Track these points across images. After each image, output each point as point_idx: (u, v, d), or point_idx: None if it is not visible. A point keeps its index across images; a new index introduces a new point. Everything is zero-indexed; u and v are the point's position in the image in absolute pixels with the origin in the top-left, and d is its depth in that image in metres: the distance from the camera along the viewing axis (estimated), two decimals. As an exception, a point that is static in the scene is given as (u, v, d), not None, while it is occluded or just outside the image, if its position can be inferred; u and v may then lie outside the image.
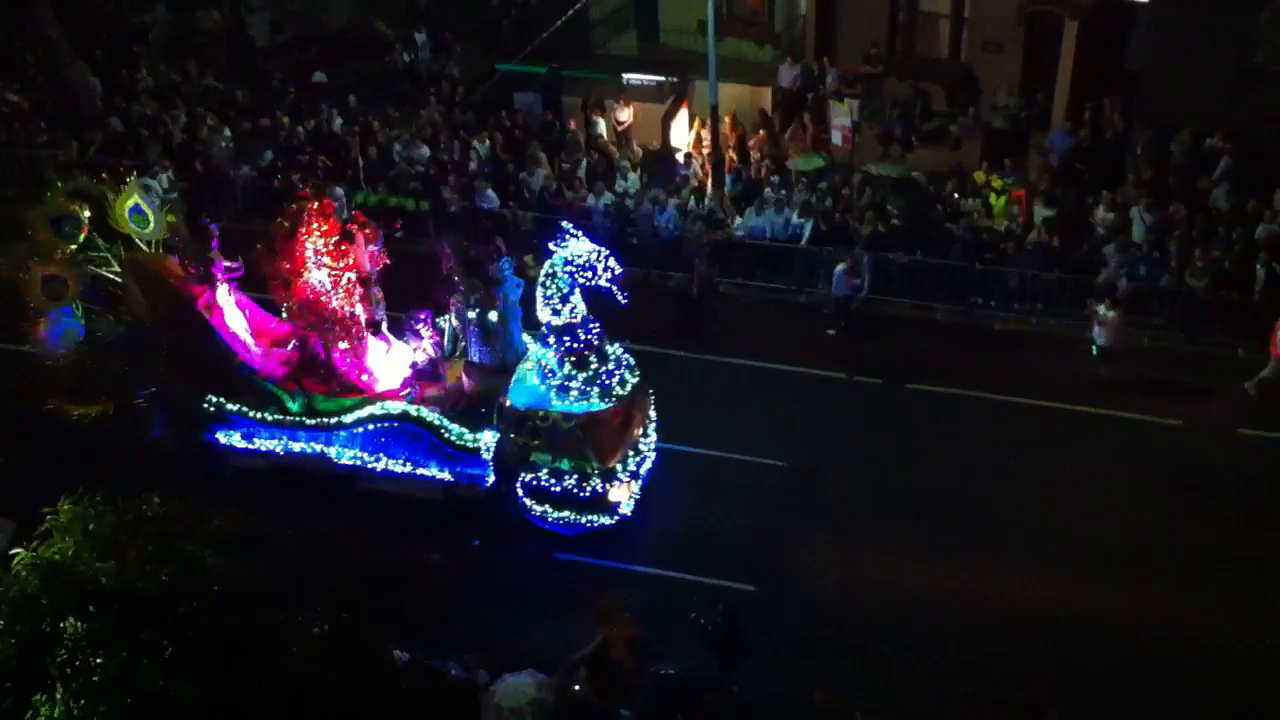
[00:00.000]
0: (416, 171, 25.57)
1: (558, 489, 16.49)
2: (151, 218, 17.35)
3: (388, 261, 17.32)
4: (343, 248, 16.68)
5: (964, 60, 27.65)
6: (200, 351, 17.31)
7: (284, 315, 17.94)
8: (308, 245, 16.52)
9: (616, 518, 16.70)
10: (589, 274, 15.81)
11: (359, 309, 17.07)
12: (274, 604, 10.86)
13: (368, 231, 17.04)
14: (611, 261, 15.87)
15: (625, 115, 27.42)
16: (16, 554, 10.44)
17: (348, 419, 17.06)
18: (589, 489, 16.38)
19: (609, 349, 16.69)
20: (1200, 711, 14.23)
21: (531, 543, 16.90)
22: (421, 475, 17.05)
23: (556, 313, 16.05)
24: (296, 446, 17.46)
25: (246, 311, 17.76)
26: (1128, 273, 21.13)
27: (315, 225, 16.47)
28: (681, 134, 27.14)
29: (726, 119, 26.13)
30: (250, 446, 17.67)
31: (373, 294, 17.37)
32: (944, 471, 18.01)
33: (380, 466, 17.16)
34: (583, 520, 16.64)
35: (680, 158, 26.66)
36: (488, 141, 26.37)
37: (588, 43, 30.18)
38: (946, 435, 18.86)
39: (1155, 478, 17.89)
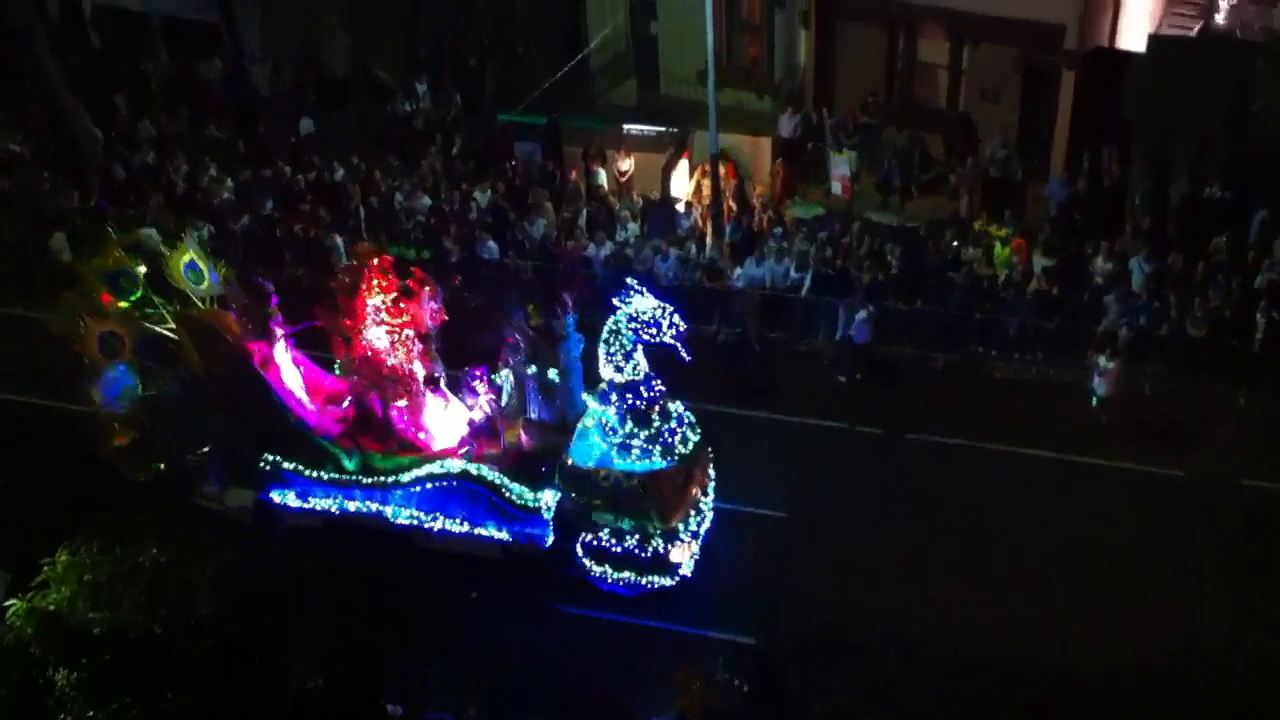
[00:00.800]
0: (417, 221, 25.65)
1: (619, 549, 16.20)
2: (206, 273, 17.39)
3: (446, 318, 17.06)
4: (401, 304, 16.55)
5: (962, 109, 27.82)
6: (256, 409, 17.21)
7: (338, 372, 17.91)
8: (367, 302, 16.44)
9: (677, 578, 16.39)
10: (654, 330, 15.63)
11: (417, 366, 16.92)
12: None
13: (428, 288, 16.79)
14: (676, 318, 15.71)
15: (626, 165, 27.54)
16: (11, 604, 10.39)
17: (405, 478, 16.84)
18: (651, 549, 16.10)
19: (671, 406, 16.46)
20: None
21: (533, 594, 16.73)
22: (479, 535, 16.82)
23: (619, 369, 15.86)
24: (352, 505, 17.22)
25: (302, 368, 17.68)
26: (1127, 322, 21.12)
27: (375, 281, 16.38)
28: (681, 184, 27.25)
29: (725, 168, 26.23)
30: (305, 505, 17.44)
31: (431, 351, 17.17)
32: (945, 521, 17.91)
33: (437, 526, 16.93)
34: (643, 581, 16.31)
35: (680, 207, 26.76)
36: (488, 191, 26.46)
37: (588, 92, 30.40)
38: (946, 484, 18.77)
39: (1155, 529, 17.75)
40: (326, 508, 17.32)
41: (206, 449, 17.73)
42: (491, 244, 24.56)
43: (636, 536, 16.06)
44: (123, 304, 16.84)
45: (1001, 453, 19.61)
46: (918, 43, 28.02)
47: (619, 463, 16.10)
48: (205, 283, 17.33)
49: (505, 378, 17.28)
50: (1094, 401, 20.26)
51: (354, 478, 17.07)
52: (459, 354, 17.44)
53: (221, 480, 17.71)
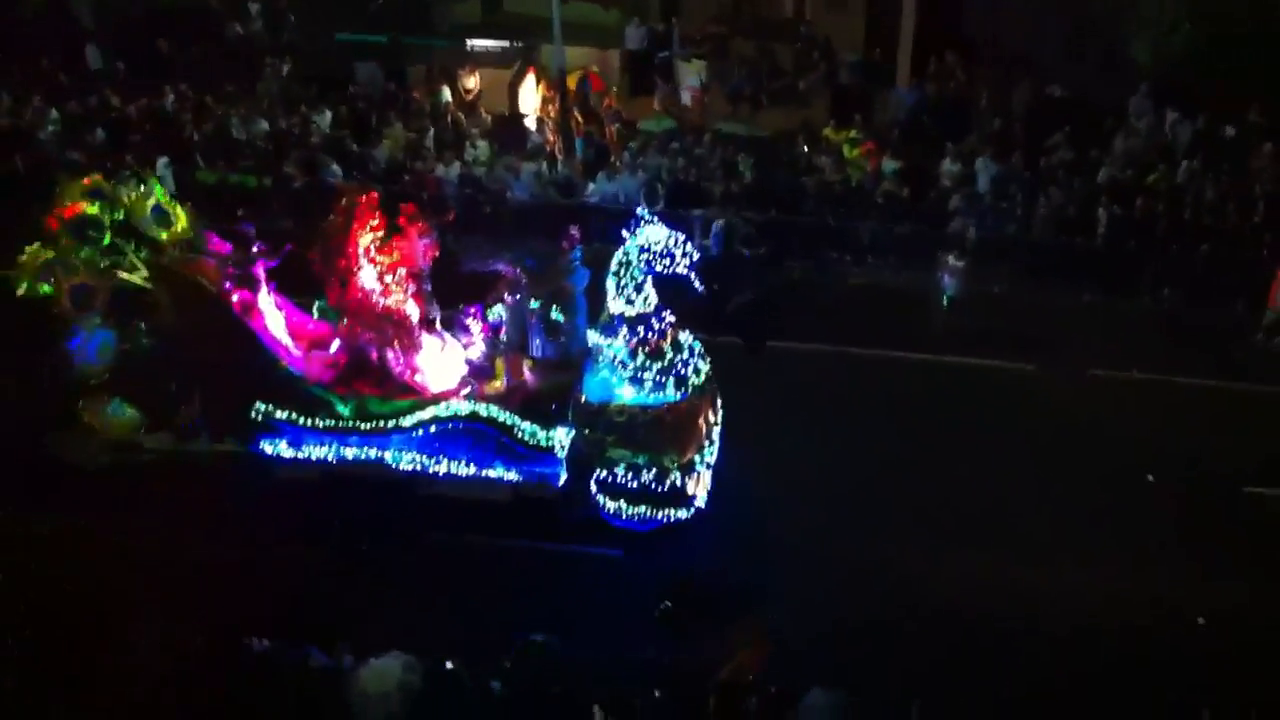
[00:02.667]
0: (256, 147, 24.69)
1: (634, 485, 15.61)
2: (175, 217, 16.21)
3: (438, 254, 16.12)
4: (392, 243, 15.67)
5: (808, 18, 27.77)
6: (240, 358, 16.25)
7: (317, 315, 17.00)
8: (359, 242, 15.53)
9: (692, 510, 15.87)
10: (667, 261, 15.11)
11: (411, 306, 16.05)
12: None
13: (420, 225, 15.84)
14: (689, 247, 15.20)
15: (472, 83, 26.87)
16: None
17: (406, 422, 16.00)
18: (668, 483, 15.59)
19: (681, 337, 15.96)
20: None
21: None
22: (488, 477, 16.20)
23: (630, 302, 15.33)
24: (349, 453, 16.35)
25: (284, 313, 16.62)
26: (975, 223, 21.44)
27: (366, 221, 15.47)
28: (529, 100, 26.70)
29: (571, 82, 25.78)
30: (298, 455, 16.54)
31: (425, 290, 16.19)
32: (808, 429, 18.00)
33: (442, 470, 16.22)
34: (659, 515, 15.77)
35: (530, 123, 26.24)
36: (329, 114, 25.58)
37: (429, 9, 29.55)
38: (804, 389, 18.86)
39: (1010, 421, 18.15)
40: (322, 456, 16.42)
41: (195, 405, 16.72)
42: (335, 168, 23.77)
43: (653, 471, 15.54)
44: (89, 254, 15.65)
45: (859, 356, 19.78)
46: (763, -49, 27.90)
47: (632, 397, 15.66)
48: (175, 226, 16.15)
49: (501, 315, 16.70)
50: (945, 302, 20.56)
51: (351, 424, 16.21)
52: (452, 292, 16.60)
53: (210, 435, 16.77)
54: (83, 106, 26.29)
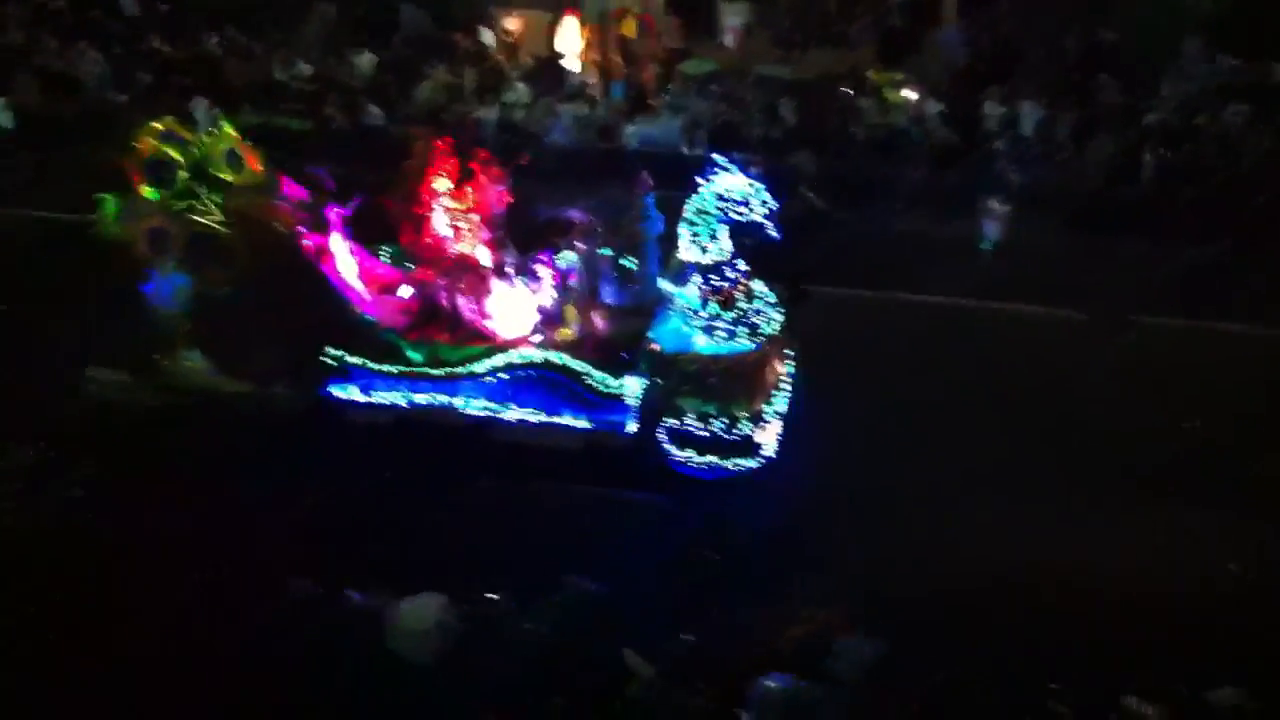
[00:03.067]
0: (297, 90, 24.71)
1: (705, 434, 15.46)
2: (248, 161, 16.27)
3: (511, 200, 16.08)
4: (466, 187, 15.67)
5: (856, -41, 27.37)
6: (316, 302, 16.13)
7: (385, 259, 16.84)
8: (434, 187, 15.53)
9: (761, 459, 15.71)
10: (744, 209, 14.75)
11: (483, 252, 16.00)
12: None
13: (493, 170, 15.77)
14: (766, 194, 14.81)
15: (513, 25, 26.72)
16: None
17: (478, 368, 15.91)
18: (737, 432, 15.44)
19: (754, 286, 15.54)
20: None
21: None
22: (558, 424, 16.12)
23: (705, 250, 14.99)
24: (420, 399, 16.31)
25: (357, 258, 16.46)
26: (1018, 169, 21.16)
27: (440, 166, 15.46)
28: (570, 42, 26.52)
29: (624, 27, 25.61)
30: (370, 400, 16.53)
31: (499, 236, 16.17)
32: (866, 375, 17.90)
33: (513, 417, 16.23)
34: (727, 464, 15.59)
35: (572, 65, 26.08)
36: (370, 56, 25.54)
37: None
38: (850, 335, 18.74)
39: (1058, 370, 17.99)
40: (394, 401, 16.41)
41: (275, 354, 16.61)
42: (375, 109, 23.76)
43: (724, 420, 15.39)
44: (165, 196, 15.75)
45: (902, 301, 19.66)
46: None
47: (704, 346, 15.37)
48: (246, 171, 16.24)
49: (571, 261, 16.39)
50: (985, 246, 20.34)
51: (423, 370, 16.13)
52: (523, 237, 16.33)
53: (289, 380, 16.53)
54: (126, 50, 26.37)
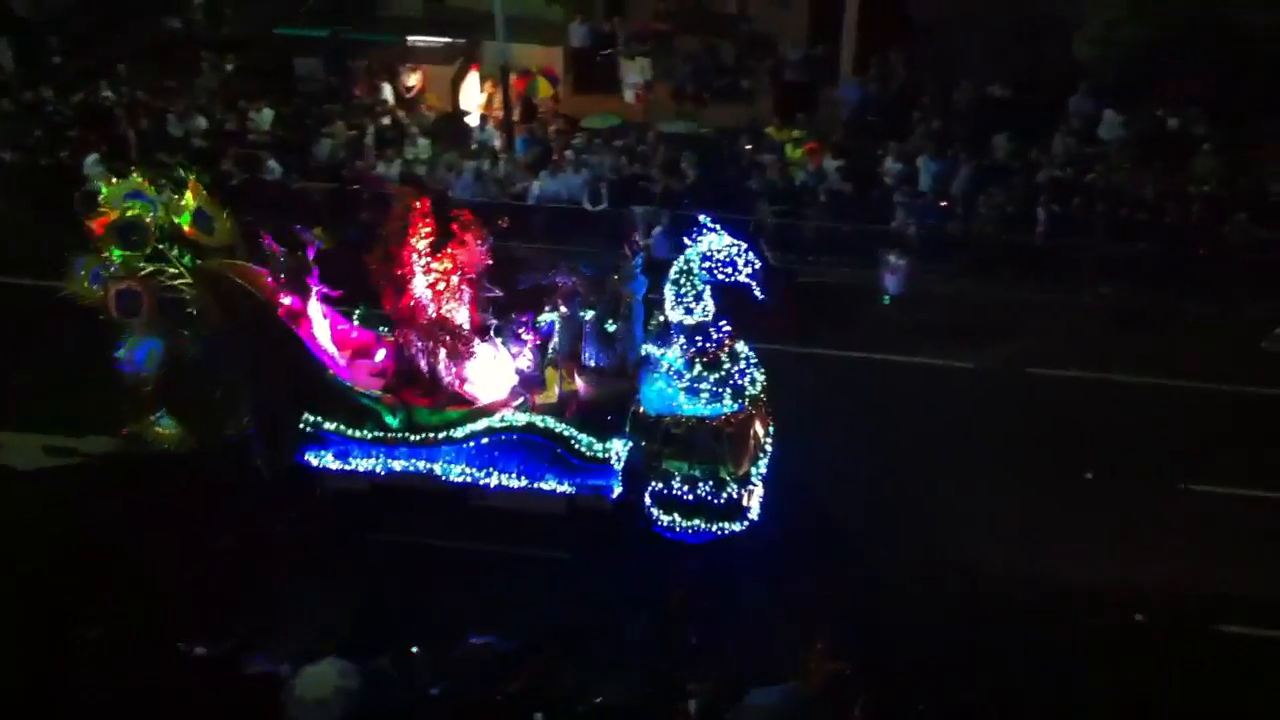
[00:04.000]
0: (193, 144, 24.34)
1: (690, 497, 15.41)
2: (216, 222, 15.82)
3: (490, 262, 15.72)
4: (448, 249, 15.28)
5: (752, 15, 27.78)
6: (290, 367, 15.75)
7: (358, 322, 16.68)
8: (414, 248, 15.19)
9: (746, 523, 15.65)
10: (729, 269, 14.62)
11: (463, 314, 15.68)
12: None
13: (476, 231, 15.38)
14: (751, 255, 14.71)
15: (414, 80, 26.66)
16: None
17: (459, 433, 15.66)
18: (725, 495, 15.38)
19: (738, 347, 15.57)
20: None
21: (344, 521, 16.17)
22: (541, 489, 15.85)
23: (690, 311, 14.89)
24: (397, 465, 16.01)
25: (328, 320, 16.22)
26: (916, 221, 21.53)
27: (420, 226, 15.11)
28: (472, 97, 26.53)
29: (515, 80, 25.67)
30: (345, 467, 16.13)
31: (481, 297, 15.85)
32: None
33: (494, 483, 15.89)
34: (713, 528, 15.54)
35: (473, 121, 26.07)
36: (268, 111, 25.28)
37: (371, 4, 29.25)
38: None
39: (949, 419, 18.24)
40: (370, 469, 16.08)
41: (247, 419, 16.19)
42: (274, 165, 23.48)
43: (710, 483, 15.34)
44: (133, 257, 15.19)
45: (801, 354, 19.77)
46: (707, -52, 27.86)
47: (688, 407, 15.23)
48: (216, 231, 15.81)
49: (550, 323, 16.38)
50: (886, 300, 20.63)
51: (401, 435, 15.84)
52: (502, 300, 16.13)
53: (262, 448, 16.17)
54: (16, 105, 25.79)
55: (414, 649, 13.32)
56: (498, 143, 25.01)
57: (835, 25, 26.78)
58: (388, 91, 26.41)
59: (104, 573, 14.92)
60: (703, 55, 27.09)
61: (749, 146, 24.02)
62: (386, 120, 25.42)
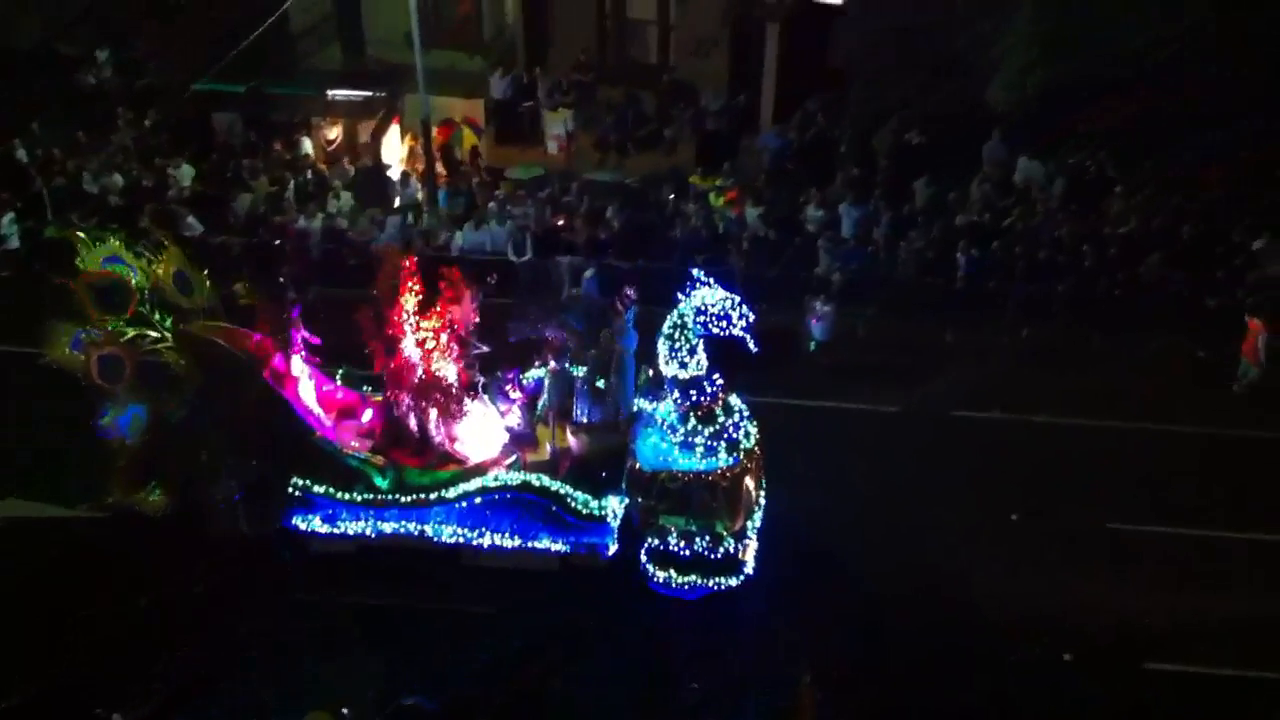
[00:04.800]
0: (109, 201, 23.94)
1: (687, 553, 15.22)
2: (197, 284, 15.53)
3: (477, 320, 15.57)
4: (437, 308, 15.08)
5: (673, 65, 28.00)
6: (277, 428, 15.47)
7: (340, 382, 16.42)
8: (405, 307, 15.00)
9: (742, 578, 15.48)
10: (724, 323, 14.63)
11: (453, 372, 15.40)
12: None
13: (466, 289, 15.24)
14: (745, 308, 14.71)
15: (334, 133, 26.52)
16: None
17: (451, 493, 15.39)
18: (722, 550, 15.22)
19: (732, 401, 15.53)
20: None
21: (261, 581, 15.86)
22: (536, 548, 15.58)
23: (684, 365, 14.84)
24: (387, 527, 15.67)
25: (314, 381, 15.93)
26: (839, 267, 21.70)
27: (409, 285, 14.95)
28: (393, 150, 26.42)
29: (438, 132, 25.62)
30: (333, 530, 15.76)
31: (470, 355, 15.62)
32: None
33: (486, 542, 15.58)
34: (709, 583, 15.36)
35: (395, 174, 25.96)
36: (186, 166, 24.96)
37: (289, 58, 29.07)
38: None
39: (878, 463, 18.31)
40: (360, 530, 15.74)
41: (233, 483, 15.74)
42: (193, 220, 23.15)
43: (706, 538, 15.18)
44: (114, 322, 14.83)
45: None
46: (626, -1, 28.05)
47: (683, 462, 15.14)
48: (195, 294, 15.50)
49: (536, 379, 16.28)
50: (812, 346, 20.75)
51: (391, 497, 15.55)
52: (489, 356, 16.03)
53: (248, 513, 15.77)
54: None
55: (344, 710, 13.12)
56: (420, 195, 24.91)
57: (755, 74, 27.06)
58: (308, 145, 26.21)
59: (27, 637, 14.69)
60: (624, 105, 27.22)
61: (672, 195, 24.13)
62: (307, 174, 25.20)
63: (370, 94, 27.00)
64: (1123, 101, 23.67)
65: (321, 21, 29.70)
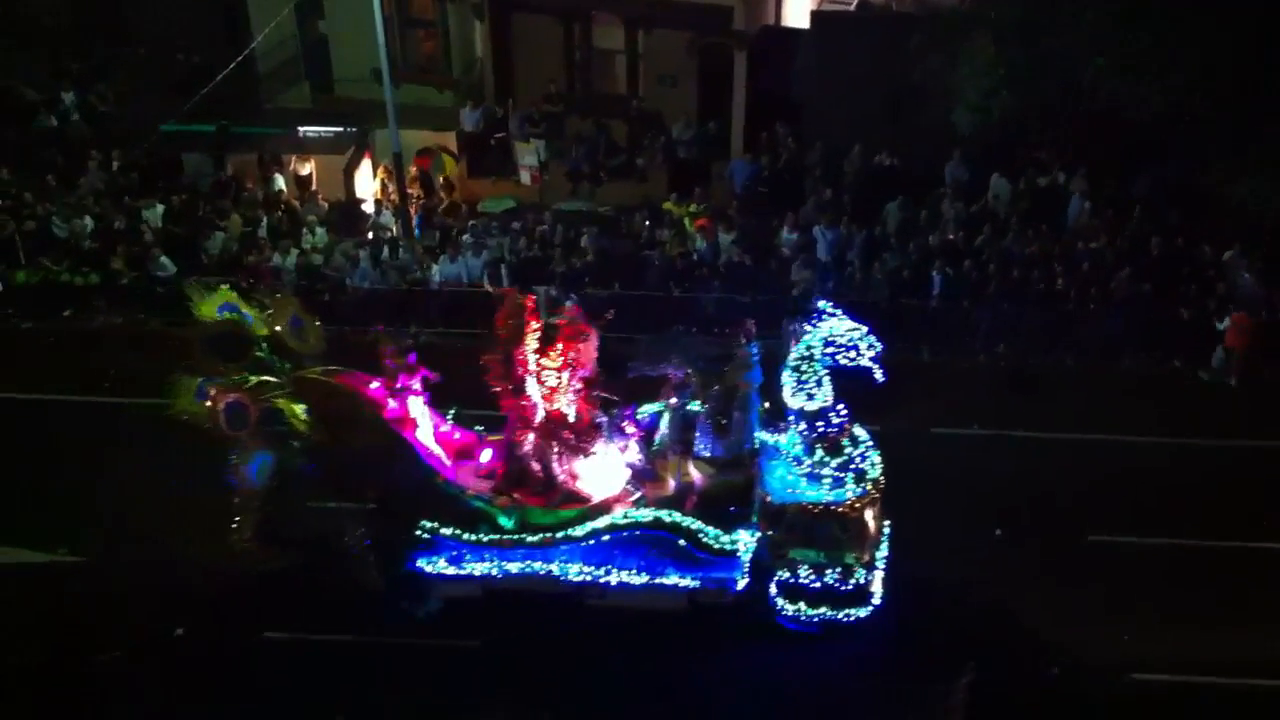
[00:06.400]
0: (82, 245, 23.84)
1: (818, 585, 15.12)
2: (309, 329, 15.34)
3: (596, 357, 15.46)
4: (558, 347, 14.97)
5: (641, 95, 28.16)
6: (400, 473, 15.37)
7: (450, 423, 16.25)
8: (527, 347, 14.91)
9: (871, 608, 15.37)
10: (852, 354, 14.66)
11: (575, 410, 15.32)
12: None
13: (587, 327, 15.14)
14: (873, 338, 14.71)
15: (305, 169, 26.52)
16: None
17: (578, 531, 15.22)
18: (853, 582, 15.10)
19: (857, 431, 15.52)
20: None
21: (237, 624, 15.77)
22: (664, 585, 15.41)
23: (811, 397, 14.85)
24: (513, 567, 15.51)
25: (433, 423, 15.78)
26: (816, 290, 21.80)
27: (532, 325, 14.89)
28: (366, 185, 26.45)
29: (411, 167, 25.68)
30: (459, 572, 15.61)
31: (594, 394, 15.54)
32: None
33: (614, 580, 15.42)
34: (839, 615, 15.25)
35: (369, 209, 25.98)
36: (158, 206, 24.90)
37: (258, 97, 29.09)
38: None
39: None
40: (486, 572, 15.58)
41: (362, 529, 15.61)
42: (166, 261, 23.07)
43: (838, 570, 15.09)
44: (236, 370, 14.67)
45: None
46: (593, 31, 28.18)
47: (810, 494, 15.07)
48: (311, 340, 15.34)
49: (655, 415, 16.25)
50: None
51: (518, 537, 15.39)
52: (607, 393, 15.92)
53: (378, 560, 15.59)
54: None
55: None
56: (395, 229, 24.92)
57: (724, 103, 27.23)
58: (280, 183, 26.20)
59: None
60: (595, 135, 27.34)
61: (647, 222, 24.24)
62: (281, 211, 25.17)
63: (340, 130, 27.01)
64: (1086, 124, 23.95)
65: (289, 61, 29.64)
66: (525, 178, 27.00)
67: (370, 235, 24.64)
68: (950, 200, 23.94)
